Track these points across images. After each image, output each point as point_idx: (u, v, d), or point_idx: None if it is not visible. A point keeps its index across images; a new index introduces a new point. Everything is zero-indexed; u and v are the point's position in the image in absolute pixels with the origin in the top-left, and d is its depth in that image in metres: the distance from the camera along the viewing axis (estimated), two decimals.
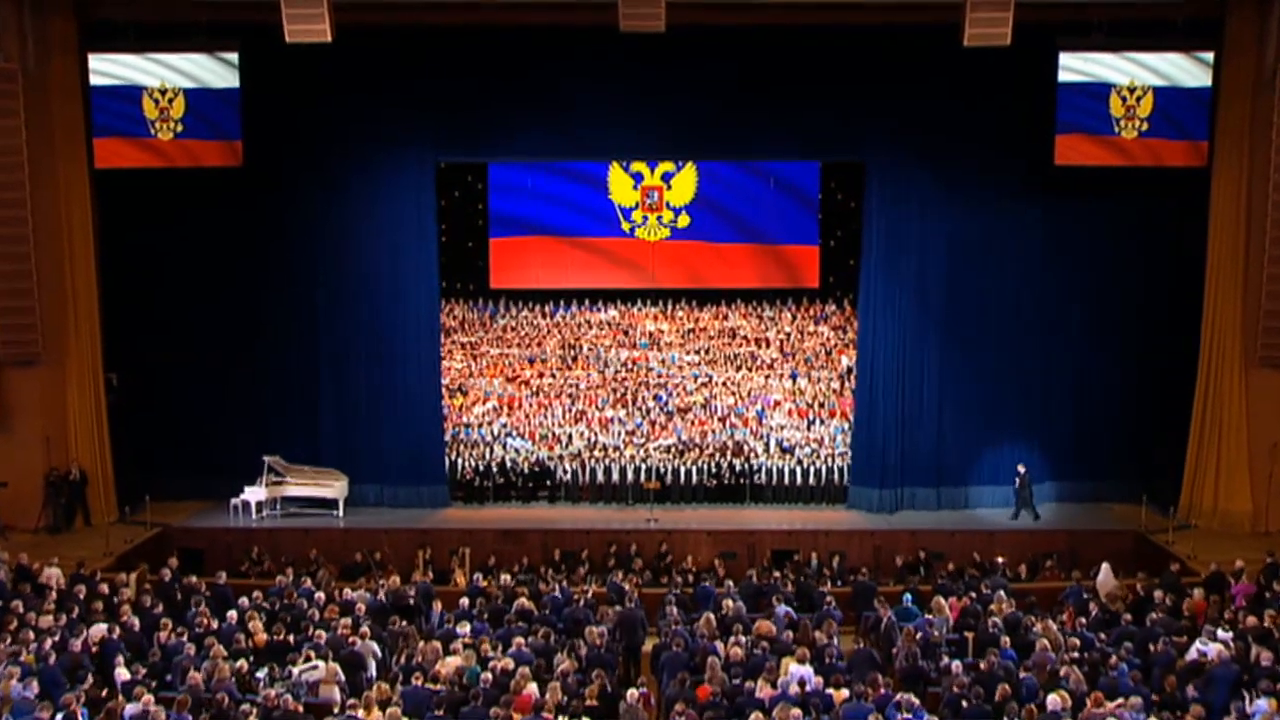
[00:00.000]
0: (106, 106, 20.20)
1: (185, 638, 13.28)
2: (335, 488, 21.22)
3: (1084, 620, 14.64)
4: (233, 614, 14.09)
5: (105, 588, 15.43)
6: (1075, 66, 19.86)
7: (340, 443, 21.97)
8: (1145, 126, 19.82)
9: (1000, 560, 18.50)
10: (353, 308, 21.85)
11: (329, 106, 21.27)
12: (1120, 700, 11.49)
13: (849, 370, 23.85)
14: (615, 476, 22.66)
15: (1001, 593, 15.31)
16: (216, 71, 20.22)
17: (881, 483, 21.72)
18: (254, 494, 20.74)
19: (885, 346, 21.71)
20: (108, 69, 20.18)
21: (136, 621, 13.81)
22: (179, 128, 20.26)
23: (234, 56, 20.17)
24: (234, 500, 20.69)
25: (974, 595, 15.54)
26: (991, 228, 21.35)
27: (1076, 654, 13.06)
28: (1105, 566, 16.88)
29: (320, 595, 15.02)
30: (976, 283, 21.49)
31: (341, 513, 21.07)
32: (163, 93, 20.27)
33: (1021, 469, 21.05)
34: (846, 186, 23.15)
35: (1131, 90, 19.84)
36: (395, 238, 21.69)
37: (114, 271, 21.46)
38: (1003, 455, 21.75)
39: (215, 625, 13.93)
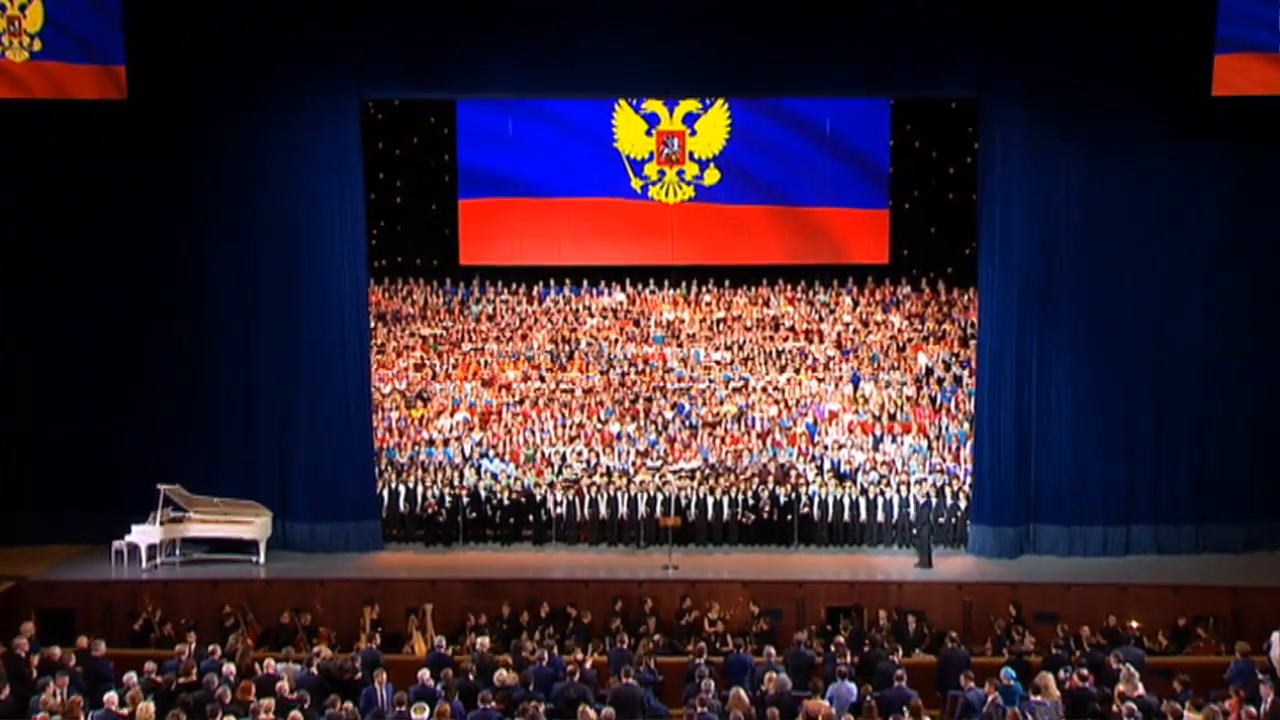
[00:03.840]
0: None
1: None
2: (254, 525, 20.86)
3: (1255, 711, 13.95)
4: (111, 697, 13.35)
5: None
6: None
7: (251, 467, 21.73)
8: None
9: (1134, 625, 18.04)
10: (264, 293, 21.56)
11: (238, 20, 20.81)
12: None
13: (928, 371, 23.84)
14: (623, 510, 22.31)
15: (1132, 668, 14.68)
16: None
17: (1013, 519, 21.39)
18: (145, 534, 20.45)
19: (1010, 342, 21.39)
20: None
21: None
22: (36, 45, 19.57)
23: None
24: (117, 543, 20.44)
25: (1098, 671, 14.89)
26: (1132, 183, 20.98)
27: None
28: (1278, 636, 16.20)
29: (231, 668, 14.57)
30: (1114, 257, 21.13)
31: (262, 558, 20.91)
32: None
33: (921, 499, 21.00)
34: (927, 131, 23.16)
35: None
36: (311, 202, 21.38)
37: None
38: (1142, 480, 21.42)
39: (87, 716, 13.15)
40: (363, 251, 21.78)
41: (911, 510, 21.90)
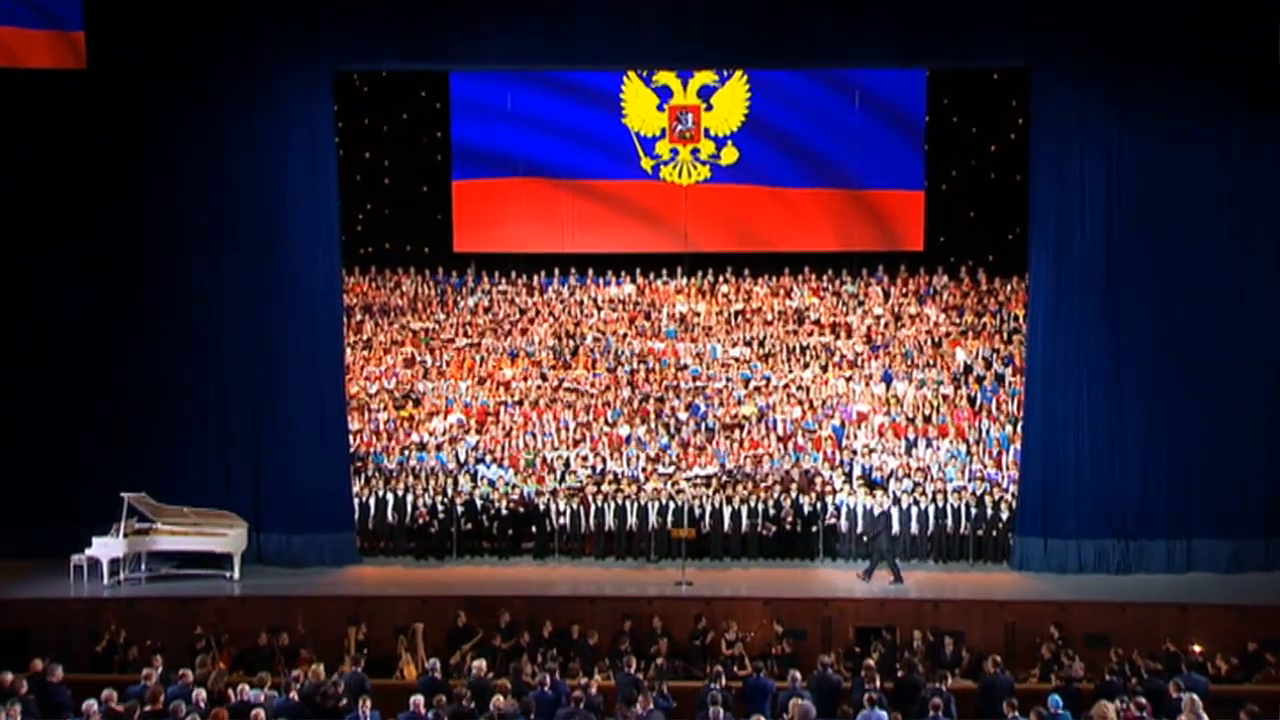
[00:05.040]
0: None
1: None
2: (228, 537, 20.81)
3: None
4: None
5: None
6: None
7: (221, 473, 21.70)
8: None
9: (1196, 649, 17.92)
10: (231, 283, 21.53)
11: None
12: None
13: (966, 369, 23.77)
14: (632, 521, 22.25)
15: (1195, 697, 14.52)
16: None
17: (1062, 531, 21.27)
18: (107, 548, 20.36)
19: (1063, 337, 21.29)
20: None
21: None
22: None
23: None
24: (76, 557, 20.37)
25: (1156, 700, 14.69)
26: (1201, 160, 20.85)
27: None
28: None
29: (201, 695, 14.42)
30: (1181, 242, 21.01)
31: (237, 574, 20.89)
32: None
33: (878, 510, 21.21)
34: (966, 104, 23.20)
35: None
36: (280, 183, 21.36)
37: None
38: (1206, 489, 21.22)
39: None
40: (336, 237, 21.78)
41: (949, 521, 21.88)
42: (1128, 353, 21.14)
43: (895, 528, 21.75)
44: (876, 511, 21.24)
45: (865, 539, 21.32)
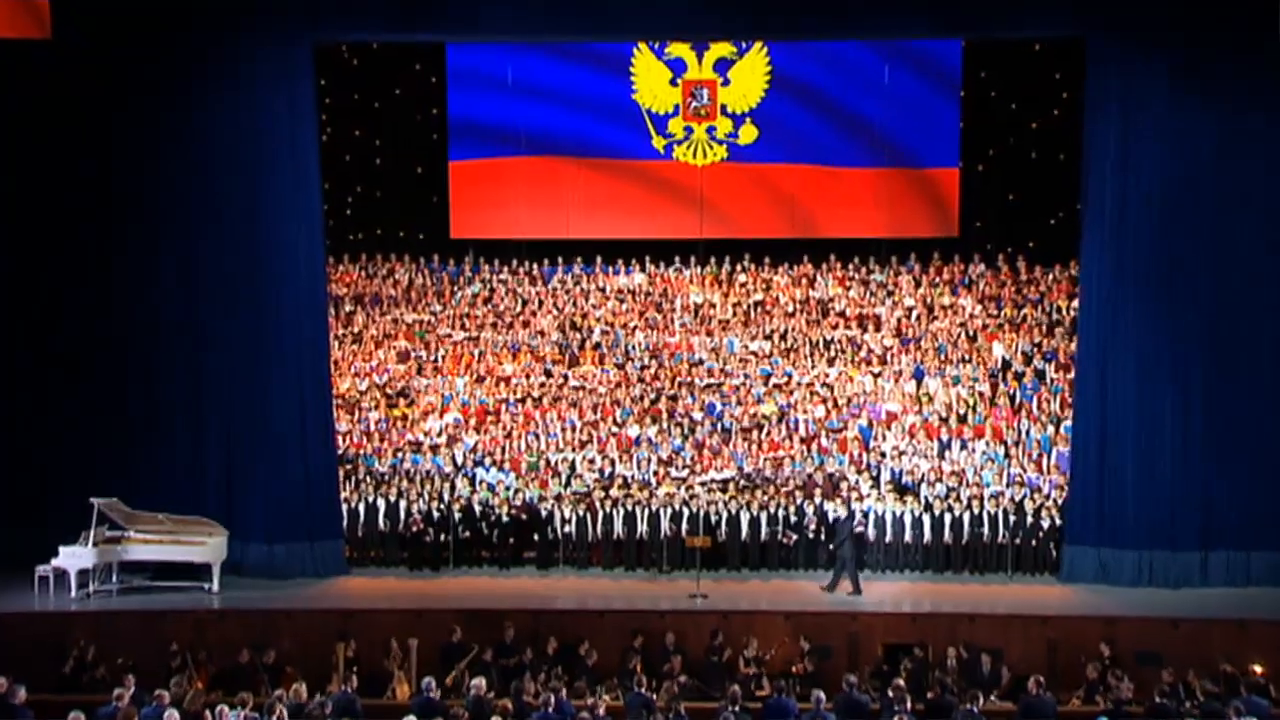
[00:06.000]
0: None
1: None
2: (207, 546, 20.77)
3: None
4: None
5: None
6: None
7: (200, 478, 21.69)
8: None
9: (1258, 670, 17.74)
10: (206, 274, 21.55)
11: None
12: None
13: (1004, 365, 23.62)
14: (642, 528, 22.22)
15: None
16: None
17: (1116, 540, 21.16)
18: (75, 557, 20.37)
19: (1121, 330, 21.19)
20: None
21: None
22: None
23: None
24: (41, 568, 20.44)
25: None
26: (1273, 143, 20.71)
27: None
28: None
29: (176, 715, 14.10)
30: (1252, 230, 20.86)
31: (216, 585, 20.87)
32: None
33: (843, 512, 21.15)
34: (1005, 78, 23.13)
35: None
36: (258, 165, 21.36)
37: None
38: (1269, 497, 21.01)
39: None
40: (319, 222, 21.83)
41: (986, 529, 21.74)
42: (1188, 347, 21.05)
43: (870, 534, 21.77)
44: (842, 515, 21.18)
45: (831, 546, 21.22)
